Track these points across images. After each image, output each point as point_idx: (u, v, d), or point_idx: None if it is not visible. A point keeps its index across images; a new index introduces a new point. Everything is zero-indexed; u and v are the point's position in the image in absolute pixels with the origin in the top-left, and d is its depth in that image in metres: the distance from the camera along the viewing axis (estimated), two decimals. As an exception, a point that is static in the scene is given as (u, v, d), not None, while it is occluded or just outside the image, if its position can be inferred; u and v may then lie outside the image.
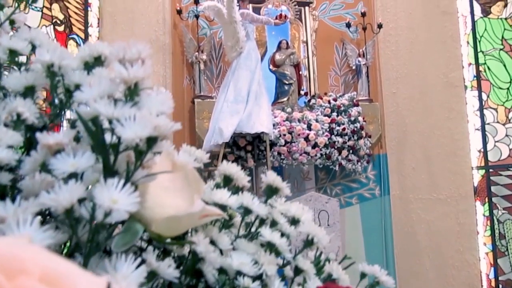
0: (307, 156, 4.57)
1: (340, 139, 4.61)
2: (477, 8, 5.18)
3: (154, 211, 0.48)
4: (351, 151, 4.69)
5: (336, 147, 4.61)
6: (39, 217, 0.36)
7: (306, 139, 4.54)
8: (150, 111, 0.43)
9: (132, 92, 0.44)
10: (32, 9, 3.79)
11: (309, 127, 4.59)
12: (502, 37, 5.12)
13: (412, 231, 4.97)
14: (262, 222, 0.60)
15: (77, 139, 0.51)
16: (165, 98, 0.45)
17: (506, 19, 5.12)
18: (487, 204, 4.96)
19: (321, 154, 4.60)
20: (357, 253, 4.77)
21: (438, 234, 4.88)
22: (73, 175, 0.41)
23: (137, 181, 0.44)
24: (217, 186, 0.61)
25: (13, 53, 0.56)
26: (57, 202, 0.38)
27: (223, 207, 0.56)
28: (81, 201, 0.42)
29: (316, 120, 4.64)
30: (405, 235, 4.95)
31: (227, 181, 0.61)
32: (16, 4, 0.79)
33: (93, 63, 0.54)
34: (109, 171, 0.44)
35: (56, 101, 0.56)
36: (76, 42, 4.23)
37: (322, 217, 4.16)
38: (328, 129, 4.62)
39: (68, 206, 0.39)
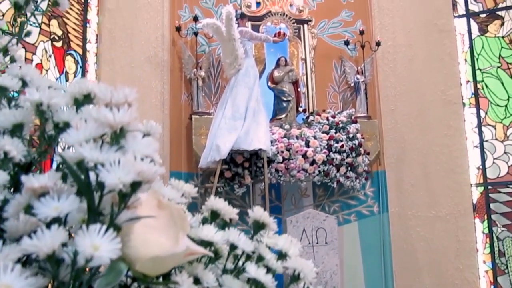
0: (305, 173, 4.57)
1: (338, 156, 4.61)
2: (474, 27, 5.23)
3: (138, 251, 0.48)
4: (349, 168, 4.68)
5: (334, 164, 4.61)
6: (19, 265, 0.37)
7: (304, 156, 4.54)
8: (135, 155, 0.44)
9: (118, 136, 0.45)
10: (31, 24, 3.80)
11: (307, 144, 4.59)
12: (499, 55, 5.15)
13: (411, 248, 4.94)
14: (249, 257, 0.61)
15: (64, 176, 0.51)
16: (150, 141, 0.46)
17: (503, 37, 5.16)
18: (486, 221, 4.94)
19: (319, 171, 4.60)
20: (356, 271, 4.75)
21: (437, 251, 4.85)
22: (56, 220, 0.41)
23: (121, 223, 0.45)
24: (204, 221, 0.61)
25: (3, 90, 0.57)
26: (38, 248, 0.39)
27: (209, 243, 0.57)
28: (64, 244, 0.42)
29: (314, 137, 4.64)
30: (404, 253, 4.92)
31: (214, 216, 0.61)
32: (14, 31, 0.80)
33: (83, 101, 0.55)
34: (93, 213, 0.45)
35: (45, 136, 0.57)
36: (74, 58, 4.24)
37: (320, 235, 4.15)
38: (326, 146, 4.63)
39: (50, 252, 0.39)
